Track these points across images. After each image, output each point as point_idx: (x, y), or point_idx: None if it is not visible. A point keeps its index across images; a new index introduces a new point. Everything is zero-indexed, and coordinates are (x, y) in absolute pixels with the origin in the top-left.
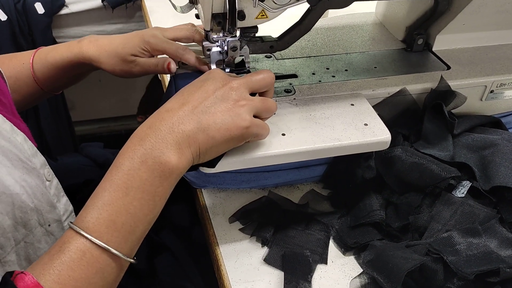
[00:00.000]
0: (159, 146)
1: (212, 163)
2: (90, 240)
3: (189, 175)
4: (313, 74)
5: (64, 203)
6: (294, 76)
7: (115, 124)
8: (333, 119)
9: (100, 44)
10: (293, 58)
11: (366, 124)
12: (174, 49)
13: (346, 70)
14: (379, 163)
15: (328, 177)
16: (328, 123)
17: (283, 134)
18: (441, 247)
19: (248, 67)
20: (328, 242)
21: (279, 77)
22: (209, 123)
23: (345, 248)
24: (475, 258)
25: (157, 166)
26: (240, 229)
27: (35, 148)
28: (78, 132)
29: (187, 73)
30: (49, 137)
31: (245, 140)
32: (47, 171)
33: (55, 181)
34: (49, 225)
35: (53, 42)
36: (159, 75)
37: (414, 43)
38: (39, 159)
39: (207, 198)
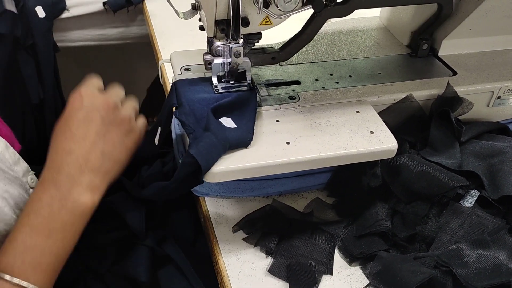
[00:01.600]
0: (76, 190)
1: (198, 180)
2: (19, 285)
3: None
4: (317, 80)
5: None
6: (297, 82)
7: None
8: (339, 127)
9: None
10: (297, 64)
11: (372, 132)
12: None
13: (350, 76)
14: (385, 171)
15: (333, 185)
16: (334, 131)
17: (288, 143)
18: (450, 260)
19: (249, 80)
20: (333, 252)
21: (282, 83)
22: (109, 149)
23: (350, 259)
24: (485, 271)
25: (76, 208)
26: (243, 239)
27: (17, 155)
28: None
29: (188, 80)
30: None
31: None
32: (31, 177)
33: None
34: None
35: (54, 46)
36: (160, 79)
37: (419, 48)
38: (22, 166)
39: (210, 206)
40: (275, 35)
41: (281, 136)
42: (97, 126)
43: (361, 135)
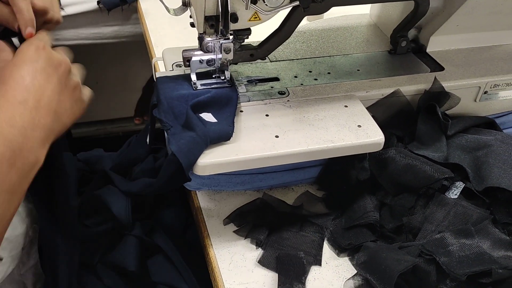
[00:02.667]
0: (27, 147)
1: (184, 178)
2: None
3: None
4: (295, 77)
5: None
6: (276, 79)
7: (112, 126)
8: (327, 121)
9: None
10: (276, 61)
11: (359, 126)
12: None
13: (328, 73)
14: (373, 165)
15: (323, 179)
16: (322, 124)
17: (277, 136)
18: (433, 248)
19: (228, 76)
20: (322, 244)
21: (260, 80)
22: (61, 111)
23: (339, 250)
24: (468, 259)
25: (26, 167)
26: (234, 231)
27: None
28: (75, 134)
29: (169, 77)
30: None
31: None
32: None
33: None
34: None
35: None
36: (154, 77)
37: (398, 46)
38: None
39: (202, 200)
40: (266, 33)
41: (270, 130)
42: (54, 84)
43: (349, 129)
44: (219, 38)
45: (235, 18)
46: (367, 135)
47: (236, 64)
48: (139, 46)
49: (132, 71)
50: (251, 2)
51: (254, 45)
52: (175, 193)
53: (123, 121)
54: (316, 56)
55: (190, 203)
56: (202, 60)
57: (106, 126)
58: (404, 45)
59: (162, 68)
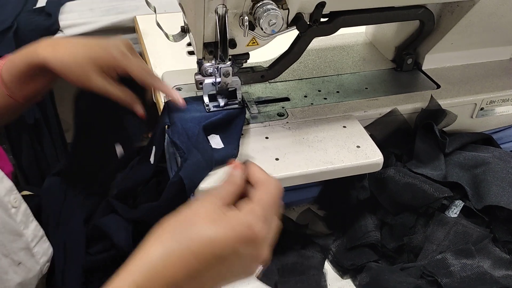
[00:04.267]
0: None
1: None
2: None
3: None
4: (305, 96)
5: (33, 229)
6: (286, 99)
7: None
8: (326, 142)
9: (58, 49)
10: (285, 81)
11: (358, 146)
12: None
13: (337, 91)
14: (372, 184)
15: (323, 198)
16: (321, 146)
17: (277, 159)
18: (435, 270)
19: (240, 98)
20: (324, 264)
21: (271, 100)
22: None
23: (342, 271)
24: (469, 279)
25: None
26: None
27: (1, 173)
28: None
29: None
30: (44, 163)
31: None
32: (14, 197)
33: (24, 206)
34: (15, 254)
35: None
36: (153, 97)
37: (403, 63)
38: (5, 185)
39: None
40: (263, 53)
41: (270, 152)
42: (225, 279)
43: (348, 150)
44: (218, 63)
45: (233, 44)
46: (366, 155)
47: (246, 84)
48: None
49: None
50: (249, 29)
51: (263, 65)
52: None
53: None
54: (325, 75)
55: None
56: (215, 82)
57: None
58: (410, 62)
59: None
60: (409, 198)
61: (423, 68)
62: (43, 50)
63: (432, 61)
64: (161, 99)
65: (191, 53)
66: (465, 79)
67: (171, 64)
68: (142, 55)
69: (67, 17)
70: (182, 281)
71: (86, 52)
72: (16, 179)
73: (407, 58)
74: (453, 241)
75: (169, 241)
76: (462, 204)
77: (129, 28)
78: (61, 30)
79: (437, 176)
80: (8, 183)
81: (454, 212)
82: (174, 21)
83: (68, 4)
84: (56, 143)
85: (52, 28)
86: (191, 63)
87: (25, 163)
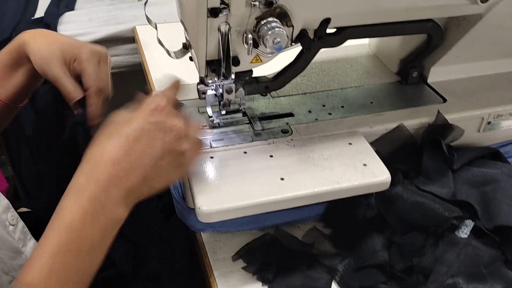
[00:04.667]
0: (110, 205)
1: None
2: None
3: (188, 219)
4: (310, 112)
5: (31, 246)
6: (290, 115)
7: None
8: (332, 160)
9: (39, 34)
10: (289, 95)
11: (365, 165)
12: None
13: (342, 106)
14: (379, 202)
15: (329, 216)
16: (327, 164)
17: (282, 179)
18: None
19: (243, 108)
20: (331, 286)
21: (275, 116)
22: (153, 176)
23: None
24: None
25: (109, 224)
26: (243, 268)
27: None
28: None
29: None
30: (44, 176)
31: None
32: (11, 215)
33: (21, 224)
34: (15, 271)
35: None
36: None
37: (409, 76)
38: (2, 203)
39: (207, 240)
40: (267, 66)
41: (275, 172)
42: (155, 149)
43: (354, 168)
44: (221, 80)
45: (237, 62)
46: (373, 174)
47: (250, 94)
48: (138, 75)
49: (131, 101)
50: (253, 47)
51: (268, 76)
52: (180, 236)
53: None
54: (329, 89)
55: (195, 244)
56: (218, 93)
57: None
58: (415, 75)
59: None
60: (418, 217)
61: (429, 81)
62: (26, 34)
63: (437, 74)
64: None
65: (192, 58)
66: (471, 92)
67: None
68: (142, 65)
69: (66, 27)
70: (122, 156)
71: (59, 45)
72: (15, 190)
73: (413, 71)
74: (464, 262)
75: (105, 138)
76: (473, 224)
77: (128, 39)
78: None
79: (445, 194)
80: (4, 201)
81: (464, 232)
82: (175, 31)
83: (67, 14)
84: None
85: None
86: (192, 74)
87: (24, 174)
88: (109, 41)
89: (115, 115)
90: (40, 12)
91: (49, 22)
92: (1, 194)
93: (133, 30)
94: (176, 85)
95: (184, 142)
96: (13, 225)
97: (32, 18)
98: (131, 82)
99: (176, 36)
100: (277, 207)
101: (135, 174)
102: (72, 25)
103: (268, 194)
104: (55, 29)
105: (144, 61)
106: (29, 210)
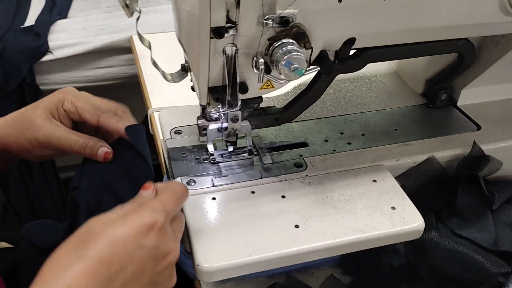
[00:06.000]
0: None
1: None
2: None
3: (185, 264)
4: (326, 141)
5: None
6: (304, 144)
7: None
8: (355, 202)
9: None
10: (302, 121)
11: (393, 208)
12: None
13: (363, 134)
14: (409, 248)
15: (348, 262)
16: (349, 207)
17: (297, 226)
18: None
19: (250, 145)
20: None
21: (287, 146)
22: None
23: None
24: None
25: None
26: None
27: None
28: (72, 175)
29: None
30: (36, 197)
31: None
32: None
33: None
34: None
35: (37, 89)
36: (150, 128)
37: (437, 99)
38: None
39: None
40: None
41: (288, 217)
42: (147, 278)
43: (381, 212)
44: (226, 110)
45: (244, 89)
46: (404, 220)
47: (258, 128)
48: (134, 87)
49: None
50: (265, 72)
51: (277, 106)
52: (179, 285)
53: None
54: (347, 113)
55: None
56: (221, 128)
57: None
58: (444, 98)
59: (158, 120)
60: (456, 270)
61: (458, 104)
62: None
63: (468, 96)
64: (158, 134)
65: (193, 85)
66: (508, 117)
67: (170, 92)
68: (138, 78)
69: (57, 36)
70: None
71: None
72: (6, 213)
73: (441, 93)
74: None
75: (68, 259)
76: None
77: (125, 49)
78: (50, 52)
79: (486, 240)
80: None
81: None
82: (175, 42)
83: (59, 22)
84: (48, 175)
85: (41, 50)
86: (192, 91)
87: (13, 197)
88: (103, 52)
89: (96, 218)
90: (30, 20)
91: (39, 31)
92: None
93: (130, 39)
94: (182, 195)
95: (173, 265)
96: None
97: (22, 26)
98: (127, 95)
99: (175, 46)
100: (291, 261)
101: None
102: (64, 34)
103: (280, 247)
104: (45, 39)
105: (140, 73)
106: (9, 246)
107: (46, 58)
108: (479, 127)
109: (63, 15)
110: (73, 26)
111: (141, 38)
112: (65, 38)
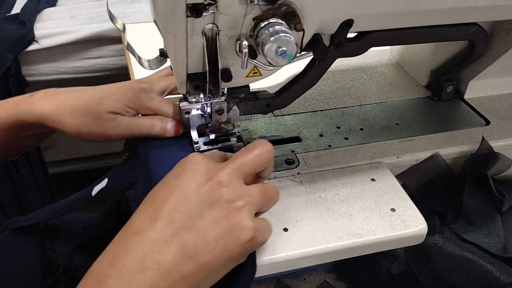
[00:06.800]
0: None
1: None
2: None
3: None
4: (321, 136)
5: None
6: (297, 139)
7: (100, 162)
8: (350, 203)
9: (62, 99)
10: (295, 114)
11: (393, 210)
12: (173, 111)
13: (361, 129)
14: (410, 254)
15: (343, 267)
16: (344, 209)
17: (286, 229)
18: None
19: (238, 131)
20: None
21: (278, 141)
22: (197, 244)
23: None
24: None
25: None
26: None
27: None
28: (61, 170)
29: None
30: (23, 194)
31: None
32: None
33: None
34: None
35: (23, 80)
36: None
37: (442, 91)
38: None
39: None
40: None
41: (276, 219)
42: (186, 200)
43: (379, 215)
44: (208, 99)
45: (227, 76)
46: (405, 223)
47: (247, 114)
48: (125, 79)
49: None
50: (249, 57)
51: (269, 91)
52: None
53: (111, 157)
54: (345, 106)
55: None
56: (206, 114)
57: (93, 162)
58: (450, 90)
59: None
60: (462, 279)
61: (465, 97)
62: (42, 103)
63: (475, 88)
64: None
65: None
66: None
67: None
68: (128, 71)
69: (44, 25)
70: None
71: (101, 99)
72: None
73: (447, 85)
74: None
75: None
76: None
77: (114, 39)
78: (36, 41)
79: (494, 246)
80: None
81: None
82: None
83: (46, 11)
84: (35, 170)
85: (26, 38)
86: None
87: (3, 199)
88: (92, 41)
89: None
90: (17, 9)
91: (24, 19)
92: None
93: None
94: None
95: (233, 188)
96: None
97: (7, 14)
98: None
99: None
100: (279, 268)
101: (166, 245)
102: (51, 22)
103: (267, 252)
104: (30, 27)
105: (129, 64)
106: None
107: (32, 47)
108: (487, 122)
109: (52, 3)
110: (61, 15)
111: (112, 18)
112: (52, 26)
